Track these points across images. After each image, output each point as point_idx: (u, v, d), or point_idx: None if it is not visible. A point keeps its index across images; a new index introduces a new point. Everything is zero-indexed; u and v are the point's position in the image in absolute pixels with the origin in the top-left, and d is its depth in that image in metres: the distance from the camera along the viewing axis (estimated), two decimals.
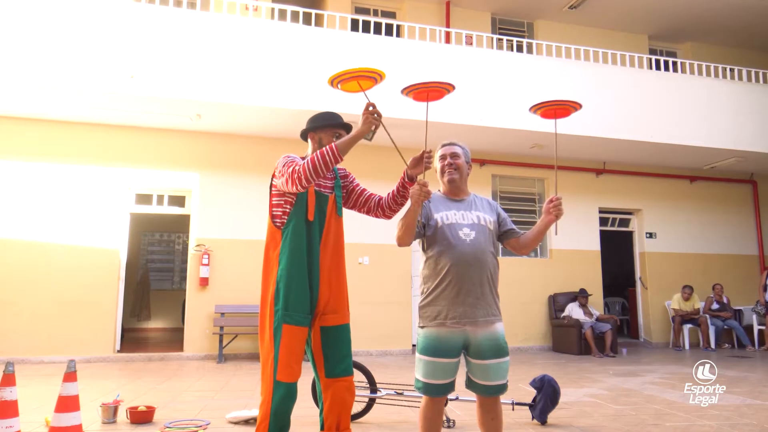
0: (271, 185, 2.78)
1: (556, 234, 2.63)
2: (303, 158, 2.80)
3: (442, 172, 2.76)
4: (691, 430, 3.88)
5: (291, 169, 2.57)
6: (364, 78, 2.59)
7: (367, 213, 2.96)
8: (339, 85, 2.63)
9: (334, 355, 2.72)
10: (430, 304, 2.59)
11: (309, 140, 2.89)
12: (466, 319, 2.52)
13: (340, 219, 2.83)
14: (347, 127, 2.87)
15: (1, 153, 7.76)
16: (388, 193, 2.89)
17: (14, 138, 7.83)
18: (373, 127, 2.53)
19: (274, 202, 2.75)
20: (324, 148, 2.55)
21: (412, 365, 7.62)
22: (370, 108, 2.51)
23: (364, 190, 2.96)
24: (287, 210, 2.70)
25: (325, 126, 2.83)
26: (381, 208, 2.91)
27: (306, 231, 2.69)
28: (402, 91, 2.64)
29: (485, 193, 9.42)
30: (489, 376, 2.54)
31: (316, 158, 2.52)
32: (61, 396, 3.21)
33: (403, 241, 2.55)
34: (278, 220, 2.72)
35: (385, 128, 2.68)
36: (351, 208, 2.98)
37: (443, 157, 2.77)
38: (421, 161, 2.65)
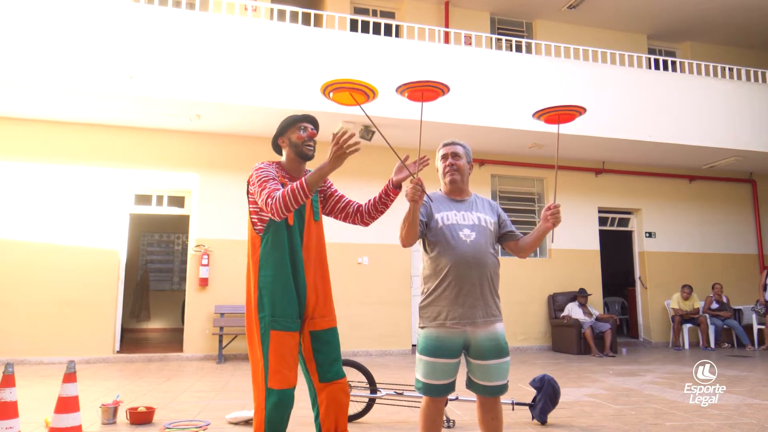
0: (248, 192, 2.73)
1: (552, 242, 2.63)
2: (278, 163, 2.78)
3: (444, 173, 2.75)
4: (691, 430, 3.88)
5: (266, 195, 2.52)
6: (357, 92, 2.55)
7: (344, 220, 2.91)
8: (331, 94, 2.59)
9: (326, 359, 2.67)
10: (430, 304, 2.59)
11: (282, 148, 2.84)
12: (466, 320, 2.52)
13: (319, 223, 2.80)
14: (309, 119, 2.84)
15: (0, 154, 7.76)
16: (370, 200, 2.83)
17: (14, 139, 7.83)
18: (346, 156, 2.46)
19: (251, 209, 2.72)
20: (294, 185, 2.47)
21: (412, 365, 7.59)
22: (343, 138, 2.39)
23: (342, 196, 2.91)
24: (264, 217, 2.67)
25: (288, 126, 2.79)
26: (360, 214, 2.85)
27: (287, 236, 2.66)
28: (397, 90, 2.62)
29: (484, 193, 9.42)
30: (489, 377, 2.54)
31: (287, 195, 2.46)
32: (60, 397, 3.20)
33: (407, 241, 2.54)
34: (257, 226, 2.69)
35: (381, 132, 2.67)
36: (328, 214, 2.93)
37: (444, 157, 2.76)
38: (404, 168, 2.62)
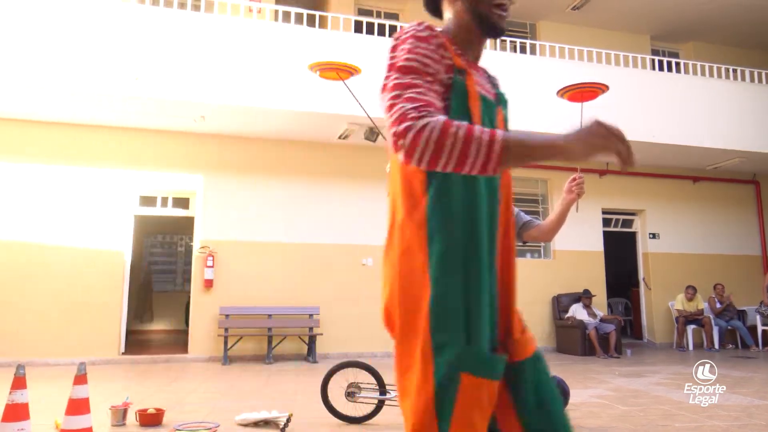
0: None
1: (576, 211, 2.60)
2: (442, 33, 1.39)
3: None
4: (700, 431, 3.88)
5: (400, 112, 1.14)
6: (343, 71, 2.72)
7: None
8: (318, 72, 2.77)
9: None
10: None
11: (447, 3, 1.50)
12: None
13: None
14: None
15: (6, 155, 7.76)
16: None
17: (19, 140, 7.83)
18: None
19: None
20: (475, 130, 1.11)
21: None
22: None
23: None
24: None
25: None
26: None
27: (473, 187, 1.31)
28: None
29: None
30: None
31: (449, 136, 1.10)
32: (71, 399, 3.21)
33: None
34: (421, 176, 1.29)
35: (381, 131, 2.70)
36: None
37: None
38: None
